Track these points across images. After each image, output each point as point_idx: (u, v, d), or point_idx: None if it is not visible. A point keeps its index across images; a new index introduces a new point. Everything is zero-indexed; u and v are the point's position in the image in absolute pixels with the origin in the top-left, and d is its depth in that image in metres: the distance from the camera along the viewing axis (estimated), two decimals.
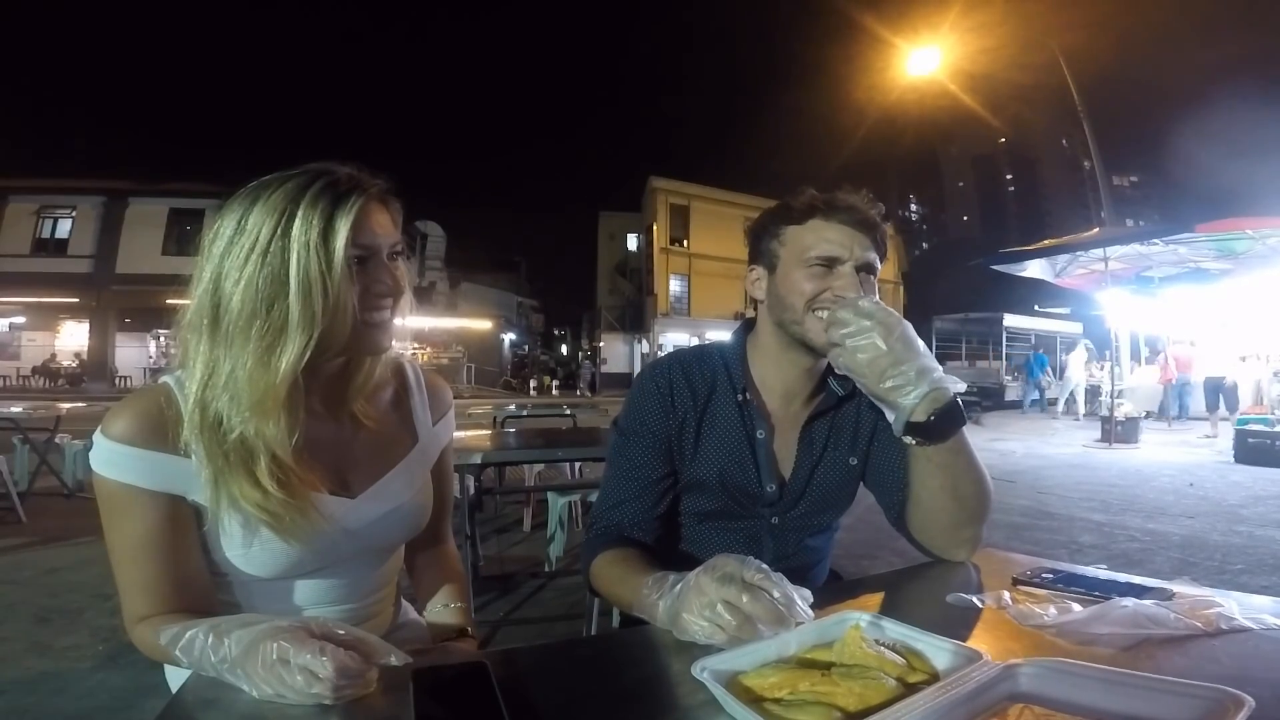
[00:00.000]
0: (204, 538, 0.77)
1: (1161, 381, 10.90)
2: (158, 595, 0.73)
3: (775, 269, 1.03)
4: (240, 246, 0.72)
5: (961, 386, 0.89)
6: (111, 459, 0.72)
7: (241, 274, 0.72)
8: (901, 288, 35.30)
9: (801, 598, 0.65)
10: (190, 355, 0.74)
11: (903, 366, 0.85)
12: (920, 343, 0.88)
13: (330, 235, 0.72)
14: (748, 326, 1.12)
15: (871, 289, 1.01)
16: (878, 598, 0.81)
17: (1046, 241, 10.04)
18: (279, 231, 0.71)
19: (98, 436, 0.73)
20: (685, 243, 27.42)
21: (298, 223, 0.71)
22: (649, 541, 1.01)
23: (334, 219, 0.72)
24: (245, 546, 0.76)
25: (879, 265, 1.02)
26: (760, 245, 1.06)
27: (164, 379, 0.77)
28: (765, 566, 0.66)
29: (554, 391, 26.65)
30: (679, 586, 0.68)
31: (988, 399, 15.86)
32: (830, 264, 0.98)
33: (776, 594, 0.63)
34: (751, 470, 1.04)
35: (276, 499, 0.73)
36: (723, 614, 0.62)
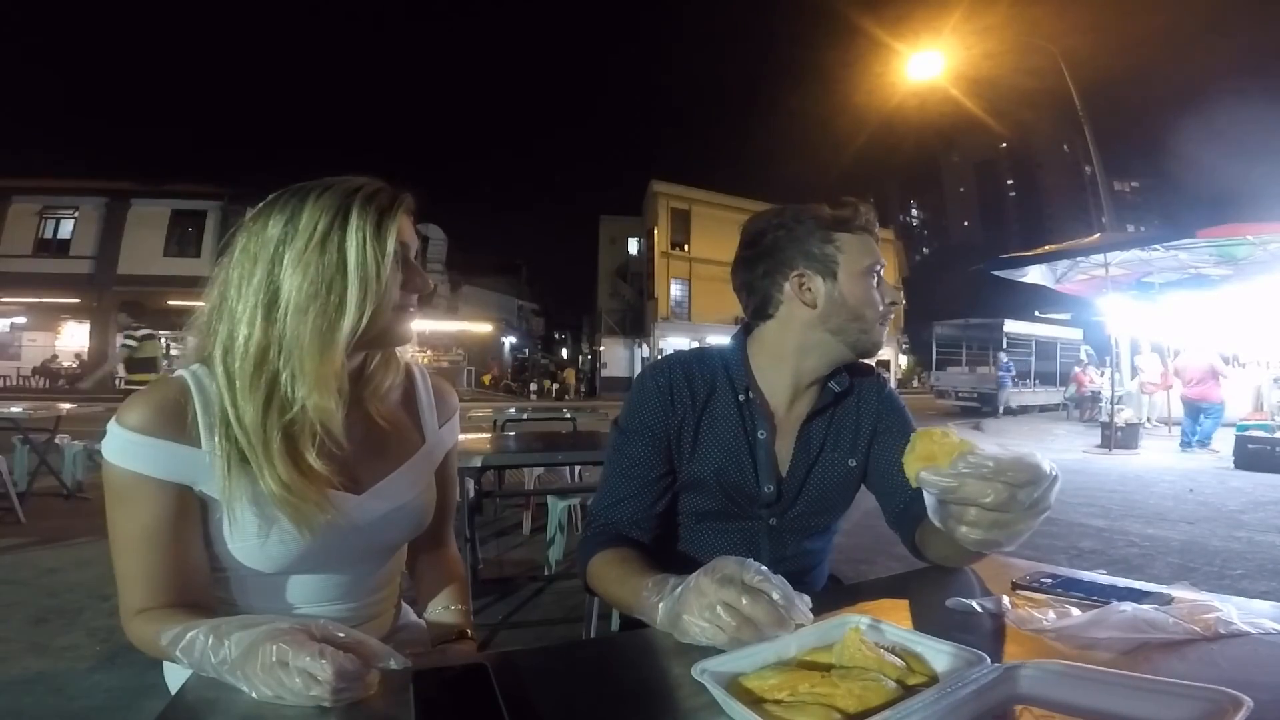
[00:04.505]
0: (208, 532, 0.78)
1: (1162, 389, 10.88)
2: (157, 587, 0.73)
3: (835, 275, 1.04)
4: (296, 240, 0.77)
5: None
6: (125, 447, 0.73)
7: (301, 261, 0.77)
8: (902, 292, 35.36)
9: (801, 602, 0.65)
10: (240, 344, 0.77)
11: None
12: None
13: (383, 231, 0.80)
14: (746, 330, 1.12)
15: None
16: (877, 602, 0.80)
17: (1047, 247, 10.04)
18: (336, 225, 0.78)
19: (112, 425, 0.74)
20: (686, 247, 27.45)
21: (354, 218, 0.79)
22: (646, 540, 1.01)
23: (384, 218, 0.80)
24: (261, 536, 0.76)
25: None
26: (805, 248, 1.04)
27: (180, 372, 0.79)
28: (765, 569, 0.66)
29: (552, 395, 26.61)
30: (679, 589, 0.69)
31: (988, 404, 15.86)
32: (879, 270, 1.06)
33: (777, 596, 0.63)
34: (749, 470, 1.05)
35: (319, 474, 0.77)
36: (722, 615, 0.62)
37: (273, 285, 0.77)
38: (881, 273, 1.07)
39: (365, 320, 0.79)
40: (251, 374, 0.76)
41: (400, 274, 0.84)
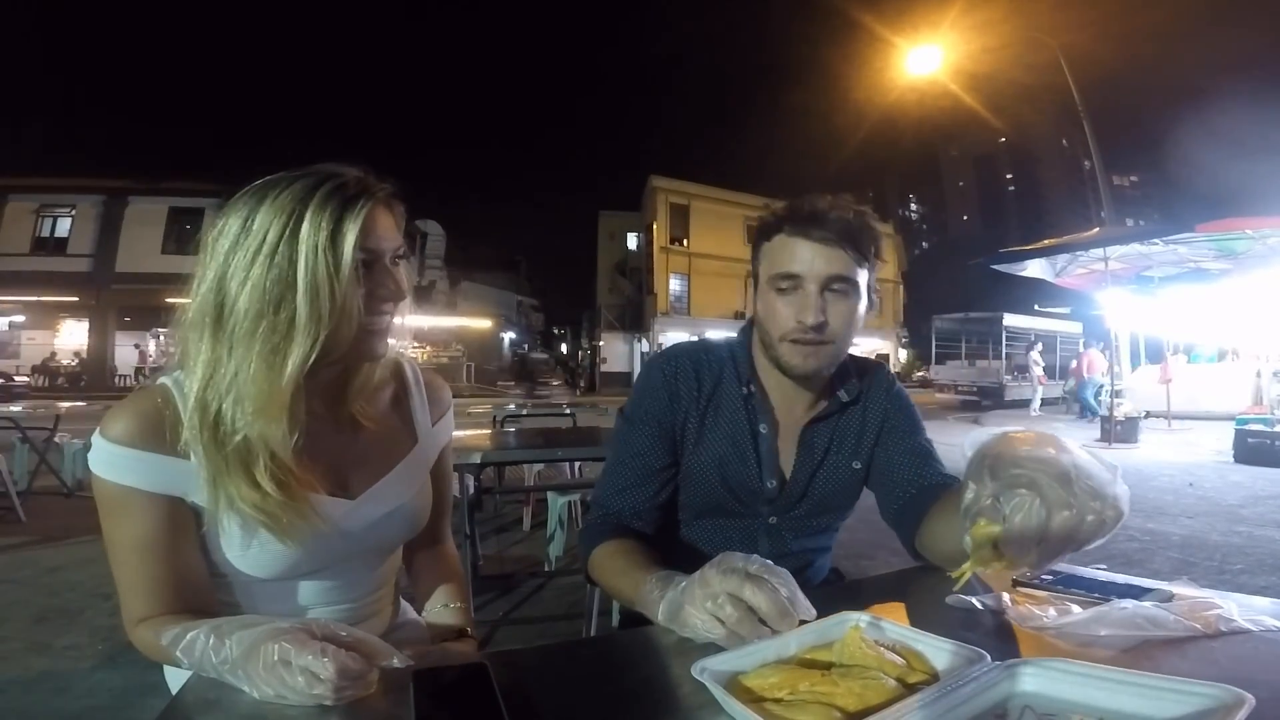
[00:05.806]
0: (203, 539, 0.77)
1: (1163, 382, 10.88)
2: (157, 596, 0.73)
3: (758, 285, 1.02)
4: (247, 247, 0.71)
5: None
6: (110, 460, 0.71)
7: (248, 274, 0.71)
8: (901, 287, 35.37)
9: (804, 598, 0.65)
10: (191, 355, 0.74)
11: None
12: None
13: (339, 239, 0.72)
14: (753, 325, 1.11)
15: (844, 302, 0.96)
16: (878, 599, 0.80)
17: (1046, 241, 10.02)
18: (287, 233, 0.71)
19: (96, 438, 0.72)
20: (685, 242, 27.41)
21: (306, 225, 0.71)
22: (649, 531, 1.00)
23: (342, 222, 0.72)
24: (244, 548, 0.75)
25: (856, 275, 0.96)
26: (752, 256, 1.05)
27: (162, 379, 0.76)
28: (770, 563, 0.66)
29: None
30: (684, 584, 0.68)
31: (988, 398, 15.88)
32: (793, 282, 0.95)
33: (781, 589, 0.63)
34: (752, 464, 1.04)
35: (274, 500, 0.73)
36: (725, 606, 0.62)
37: (222, 296, 0.72)
38: (806, 285, 0.94)
39: (319, 345, 0.72)
40: (199, 393, 0.72)
41: (365, 285, 0.75)
